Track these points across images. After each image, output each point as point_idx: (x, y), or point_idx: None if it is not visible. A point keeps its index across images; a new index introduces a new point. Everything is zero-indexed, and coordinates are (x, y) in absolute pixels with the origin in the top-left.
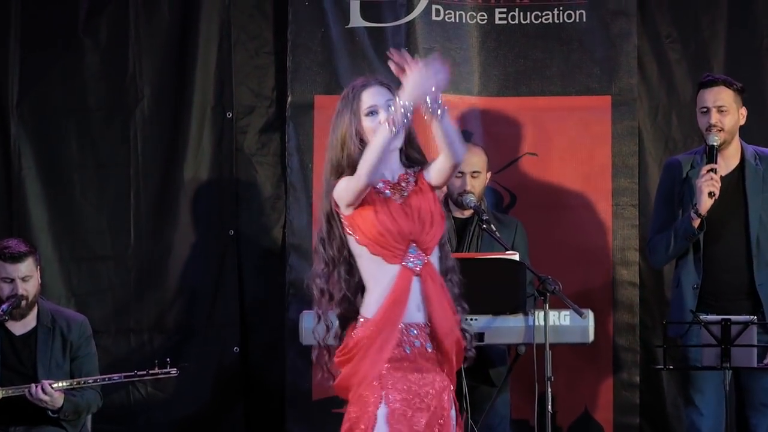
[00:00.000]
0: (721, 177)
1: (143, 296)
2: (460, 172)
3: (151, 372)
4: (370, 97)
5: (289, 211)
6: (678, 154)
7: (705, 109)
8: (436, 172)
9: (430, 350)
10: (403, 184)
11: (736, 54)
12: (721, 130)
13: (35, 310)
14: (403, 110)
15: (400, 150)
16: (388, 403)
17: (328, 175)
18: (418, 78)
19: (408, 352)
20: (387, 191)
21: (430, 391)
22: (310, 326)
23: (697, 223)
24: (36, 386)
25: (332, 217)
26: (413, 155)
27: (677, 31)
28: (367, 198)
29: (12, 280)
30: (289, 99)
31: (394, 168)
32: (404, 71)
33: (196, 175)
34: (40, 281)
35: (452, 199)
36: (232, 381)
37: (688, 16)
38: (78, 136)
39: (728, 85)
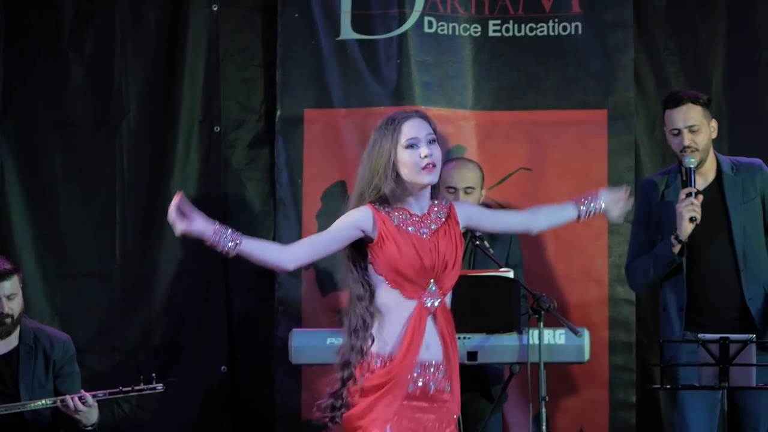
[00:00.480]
0: (700, 193)
1: (129, 314)
2: (452, 188)
3: (136, 388)
4: (412, 129)
5: (279, 228)
6: (651, 174)
7: (676, 131)
8: (502, 224)
9: (431, 390)
10: (432, 216)
11: (734, 67)
12: (696, 150)
13: (18, 329)
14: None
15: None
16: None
17: (352, 204)
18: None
19: (411, 390)
20: (410, 228)
21: (431, 421)
22: (300, 345)
23: (677, 249)
24: (73, 397)
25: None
26: (441, 189)
27: (675, 43)
28: (390, 230)
29: None
30: (279, 113)
31: (424, 203)
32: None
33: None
34: (22, 299)
35: None
36: (219, 400)
37: (687, 29)
38: (63, 150)
39: (695, 101)
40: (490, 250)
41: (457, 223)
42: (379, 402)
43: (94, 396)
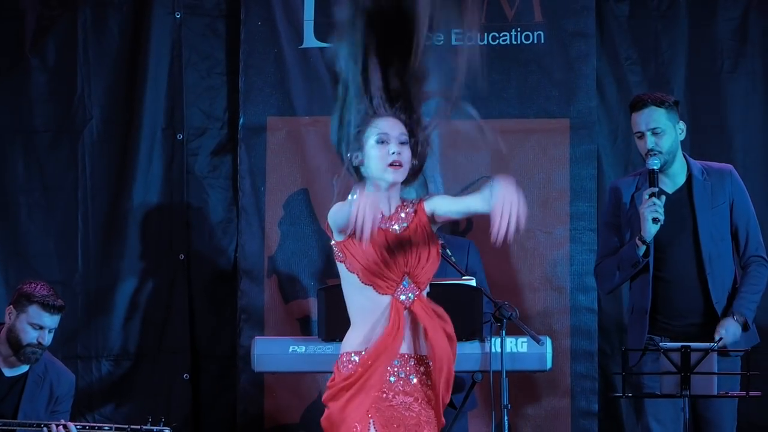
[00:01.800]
0: (668, 195)
1: (91, 322)
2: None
3: (144, 428)
4: (385, 125)
5: (241, 236)
6: (621, 177)
7: (639, 134)
8: (456, 210)
9: (413, 382)
10: (402, 215)
11: (696, 76)
12: (660, 152)
13: None
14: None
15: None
16: (375, 426)
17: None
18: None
19: (392, 381)
20: (382, 225)
21: (413, 417)
22: (262, 353)
23: (642, 250)
24: (57, 425)
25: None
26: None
27: (637, 53)
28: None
29: (41, 328)
30: (242, 121)
31: (392, 201)
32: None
33: (145, 198)
34: None
35: None
36: (182, 408)
37: (648, 38)
38: (24, 157)
39: (659, 104)
40: (452, 258)
41: (427, 217)
42: (357, 396)
43: (99, 427)
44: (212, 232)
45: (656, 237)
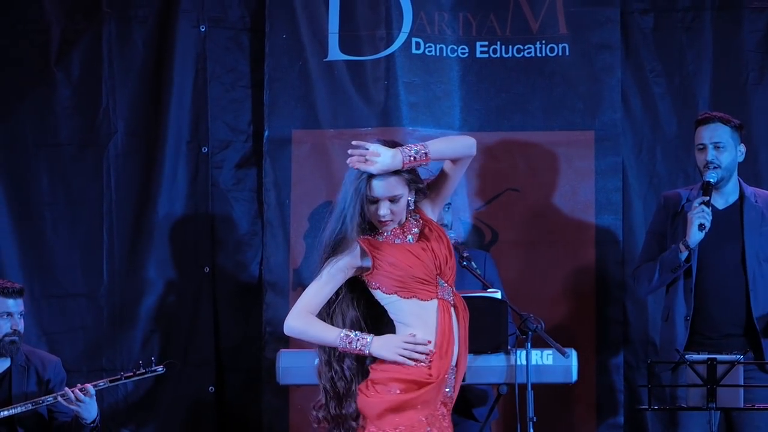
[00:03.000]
0: (719, 211)
1: (116, 335)
2: None
3: (138, 372)
4: (376, 189)
5: (266, 248)
6: (677, 189)
7: (701, 146)
8: (449, 184)
9: (448, 394)
10: (410, 224)
11: (720, 88)
12: (718, 167)
13: None
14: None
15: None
16: None
17: (324, 244)
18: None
19: (447, 392)
20: (397, 239)
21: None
22: (287, 365)
23: (684, 255)
24: (73, 389)
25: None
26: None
27: (662, 65)
28: (382, 251)
29: (10, 315)
30: (266, 134)
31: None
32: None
33: (170, 211)
34: None
35: None
36: (207, 421)
37: (673, 50)
38: (49, 171)
39: (725, 122)
40: (477, 270)
41: (429, 219)
42: (416, 401)
43: (95, 386)
44: (237, 244)
45: (701, 248)
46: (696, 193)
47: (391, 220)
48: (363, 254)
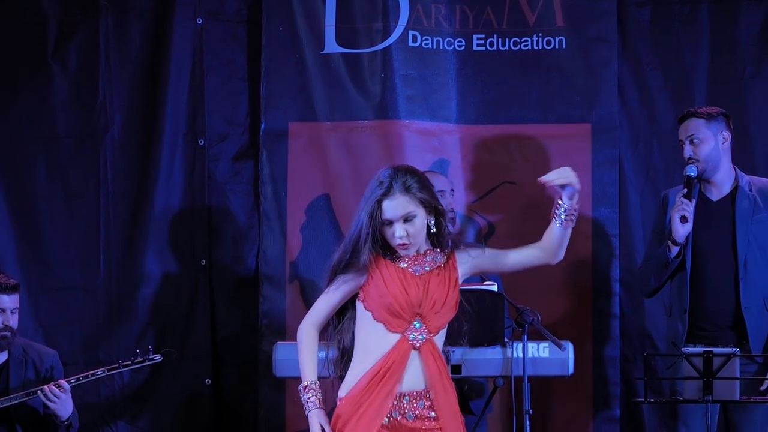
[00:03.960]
0: (713, 202)
1: (113, 328)
2: None
3: (135, 361)
4: (389, 210)
5: (263, 241)
6: (679, 186)
7: (681, 142)
8: (521, 261)
9: (410, 420)
10: (428, 259)
11: (717, 81)
12: (697, 160)
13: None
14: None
15: (429, 231)
16: None
17: (335, 263)
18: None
19: (410, 420)
20: (404, 264)
21: None
22: (284, 358)
23: (674, 251)
24: (49, 386)
25: None
26: (443, 240)
27: (659, 58)
28: (380, 268)
29: (3, 311)
30: (263, 126)
31: (421, 244)
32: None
33: (167, 203)
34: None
35: None
36: (204, 414)
37: (670, 44)
38: (46, 164)
39: (699, 115)
40: None
41: (455, 269)
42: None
43: (92, 374)
44: (234, 237)
45: (695, 242)
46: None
47: (410, 243)
48: (367, 270)
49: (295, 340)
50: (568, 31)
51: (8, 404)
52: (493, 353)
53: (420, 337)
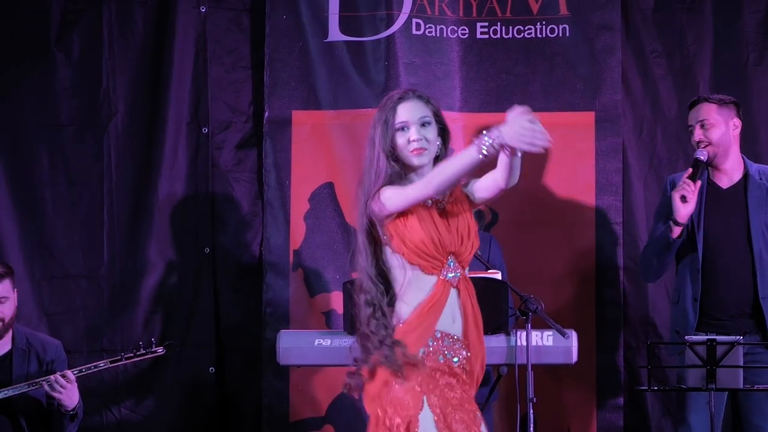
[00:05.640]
0: (723, 190)
1: (117, 316)
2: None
3: (138, 353)
4: (404, 111)
5: (266, 229)
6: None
7: (691, 128)
8: (483, 188)
9: (456, 364)
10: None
11: (721, 69)
12: (708, 144)
13: (10, 333)
14: (496, 144)
15: (437, 158)
16: (431, 407)
17: (365, 188)
18: (521, 125)
19: (441, 361)
20: (428, 201)
21: (457, 397)
22: (288, 346)
23: (675, 232)
24: (55, 376)
25: (370, 230)
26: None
27: (662, 46)
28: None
29: None
30: (267, 114)
31: (429, 164)
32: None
33: (171, 191)
34: (16, 303)
35: None
36: (207, 402)
37: (674, 32)
38: (50, 151)
39: (710, 100)
40: (477, 251)
41: (463, 194)
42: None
43: (95, 366)
44: (237, 225)
45: (707, 229)
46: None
47: (425, 149)
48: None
49: (299, 328)
50: (572, 19)
51: (12, 394)
52: (497, 341)
53: (456, 274)
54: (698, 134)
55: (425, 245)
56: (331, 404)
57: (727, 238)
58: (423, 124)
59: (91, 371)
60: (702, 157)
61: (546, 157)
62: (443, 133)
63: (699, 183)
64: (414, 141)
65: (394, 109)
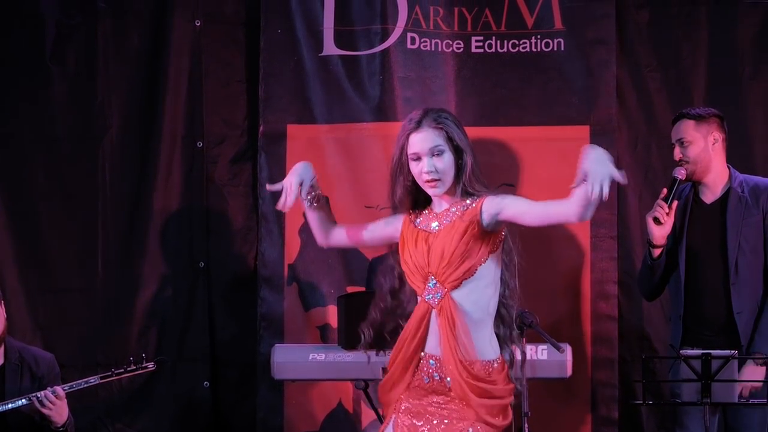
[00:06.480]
0: (707, 206)
1: (111, 330)
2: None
3: (128, 369)
4: (416, 142)
5: (261, 243)
6: None
7: (672, 145)
8: (542, 216)
9: (449, 384)
10: (452, 211)
11: (716, 83)
12: (686, 162)
13: (2, 348)
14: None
15: (458, 178)
16: (395, 427)
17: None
18: (600, 163)
19: (426, 382)
20: (418, 220)
21: (444, 415)
22: (282, 360)
23: (654, 253)
24: (45, 393)
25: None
26: (475, 187)
27: (657, 60)
28: (405, 229)
29: None
30: (261, 128)
31: (444, 201)
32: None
33: (165, 205)
34: (5, 317)
35: None
36: (202, 416)
37: (669, 45)
38: (45, 165)
39: (688, 116)
40: None
41: (476, 216)
42: (390, 389)
43: (86, 382)
44: (232, 239)
45: (689, 245)
46: (681, 192)
47: (439, 180)
48: (401, 225)
49: (294, 343)
50: (567, 33)
51: (2, 410)
52: None
53: (436, 295)
54: (677, 153)
55: (407, 265)
56: (325, 418)
57: (706, 254)
58: (435, 154)
59: (81, 387)
60: (679, 176)
61: (541, 172)
62: (458, 152)
63: (676, 203)
64: (425, 173)
65: (407, 139)
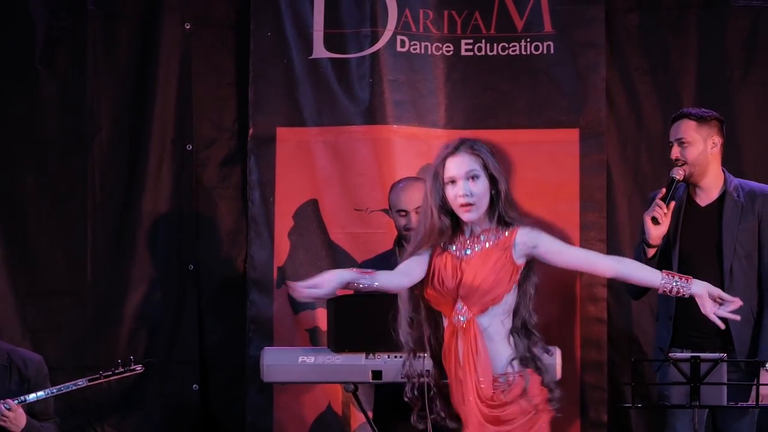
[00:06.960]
0: (701, 208)
1: (100, 332)
2: (403, 211)
3: (116, 371)
4: (453, 165)
5: (250, 246)
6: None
7: (671, 144)
8: (573, 262)
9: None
10: (482, 238)
11: (705, 86)
12: (684, 163)
13: None
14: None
15: (492, 206)
16: None
17: (414, 243)
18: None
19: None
20: (452, 245)
21: None
22: (271, 363)
23: (649, 253)
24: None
25: None
26: (510, 215)
27: (647, 63)
28: (434, 257)
29: None
30: (251, 131)
31: (476, 227)
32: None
33: (155, 208)
34: None
35: (401, 235)
36: (191, 419)
37: (658, 48)
38: (34, 168)
39: (690, 116)
40: None
41: (509, 247)
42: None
43: (74, 384)
44: (221, 242)
45: (682, 247)
46: (675, 192)
47: (474, 204)
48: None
49: (283, 345)
50: (557, 36)
51: None
52: None
53: (462, 318)
54: (675, 152)
55: (436, 290)
56: (315, 421)
57: (700, 256)
58: (470, 178)
59: (69, 389)
60: (677, 176)
61: (531, 174)
62: (493, 181)
63: (673, 203)
64: (460, 197)
65: (443, 163)
